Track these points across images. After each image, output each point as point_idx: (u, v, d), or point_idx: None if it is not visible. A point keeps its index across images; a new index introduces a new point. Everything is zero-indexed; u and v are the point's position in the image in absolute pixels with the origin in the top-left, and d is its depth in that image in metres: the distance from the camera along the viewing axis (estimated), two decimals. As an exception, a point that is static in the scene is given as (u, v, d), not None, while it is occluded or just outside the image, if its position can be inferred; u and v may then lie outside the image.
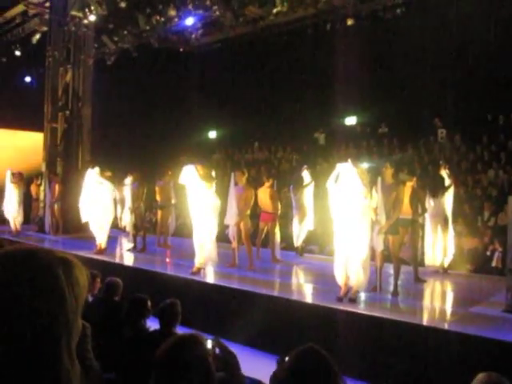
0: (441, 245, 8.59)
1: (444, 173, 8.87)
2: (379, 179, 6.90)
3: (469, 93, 13.65)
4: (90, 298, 5.14)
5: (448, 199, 8.68)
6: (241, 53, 16.38)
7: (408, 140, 15.28)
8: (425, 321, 6.19)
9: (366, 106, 16.73)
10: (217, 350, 2.54)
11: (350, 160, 6.33)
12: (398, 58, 14.91)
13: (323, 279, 7.81)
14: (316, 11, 12.53)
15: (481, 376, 2.34)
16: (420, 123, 16.02)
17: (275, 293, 7.32)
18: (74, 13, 13.48)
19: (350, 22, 13.06)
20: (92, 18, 13.27)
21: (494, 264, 9.48)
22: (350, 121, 18.33)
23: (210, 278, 8.20)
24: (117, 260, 10.18)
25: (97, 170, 10.23)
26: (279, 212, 9.88)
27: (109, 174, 10.51)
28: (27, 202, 14.57)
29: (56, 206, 13.23)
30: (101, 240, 10.16)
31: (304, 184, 10.04)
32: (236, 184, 8.72)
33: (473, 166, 13.31)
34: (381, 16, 13.15)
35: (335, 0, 11.81)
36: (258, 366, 3.69)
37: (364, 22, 13.24)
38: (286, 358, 2.17)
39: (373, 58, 15.52)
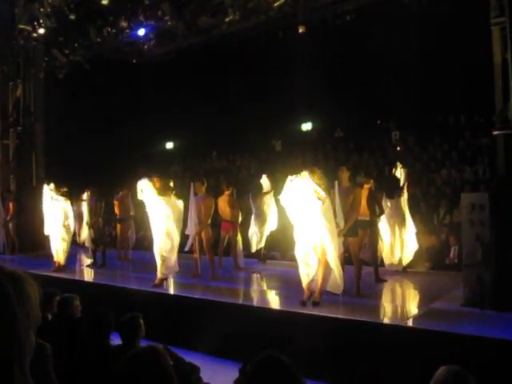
0: (399, 244, 8.77)
1: (402, 172, 9.05)
2: (336, 183, 7.02)
3: (420, 95, 14.02)
4: (50, 317, 5.00)
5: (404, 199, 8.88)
6: (195, 62, 16.35)
7: (364, 143, 15.58)
8: (387, 319, 6.30)
9: (321, 112, 16.98)
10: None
11: (304, 170, 6.34)
12: (350, 63, 15.22)
13: (286, 285, 7.85)
14: (267, 19, 12.60)
15: (441, 369, 2.39)
16: (374, 126, 16.40)
17: (239, 301, 7.31)
18: (22, 26, 13.17)
19: (301, 29, 13.22)
20: (41, 31, 12.99)
21: (451, 256, 9.77)
22: (306, 126, 18.57)
23: (172, 289, 8.12)
24: (77, 276, 9.96)
25: (52, 186, 10.04)
26: (240, 220, 9.90)
27: (65, 189, 10.31)
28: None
29: (11, 225, 12.86)
30: (59, 257, 9.93)
31: (263, 191, 10.10)
32: (195, 194, 8.70)
33: (426, 166, 13.66)
34: (331, 23, 13.37)
35: (286, 7, 11.90)
36: (222, 375, 3.67)
37: (315, 29, 13.44)
38: (248, 366, 2.16)
39: (326, 63, 15.77)
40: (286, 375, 2.00)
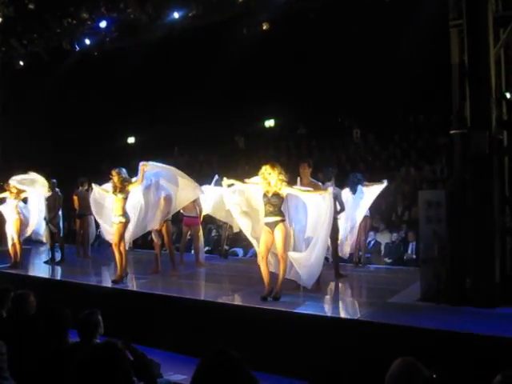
0: (358, 240, 8.91)
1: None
2: (298, 179, 7.08)
3: (381, 94, 14.23)
4: (4, 314, 4.88)
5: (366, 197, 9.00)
6: (157, 56, 16.14)
7: (326, 140, 15.74)
8: (346, 314, 6.41)
9: (284, 109, 17.04)
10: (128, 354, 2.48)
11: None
12: (313, 61, 15.31)
13: (248, 280, 7.87)
14: (232, 15, 12.58)
15: (397, 361, 2.44)
16: (336, 124, 16.59)
17: (200, 297, 7.29)
18: (-23, 15, 12.73)
19: (265, 26, 13.23)
20: (-2, 20, 12.58)
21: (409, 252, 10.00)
22: (269, 123, 18.66)
23: (132, 285, 8.03)
24: (34, 273, 9.74)
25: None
26: (202, 216, 9.85)
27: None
28: None
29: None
30: (15, 253, 9.69)
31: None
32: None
33: (386, 163, 13.91)
34: (295, 20, 13.43)
35: (250, 3, 11.89)
36: (183, 371, 3.66)
37: (279, 26, 13.46)
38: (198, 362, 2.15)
39: (289, 60, 15.83)
40: (235, 370, 2.00)
